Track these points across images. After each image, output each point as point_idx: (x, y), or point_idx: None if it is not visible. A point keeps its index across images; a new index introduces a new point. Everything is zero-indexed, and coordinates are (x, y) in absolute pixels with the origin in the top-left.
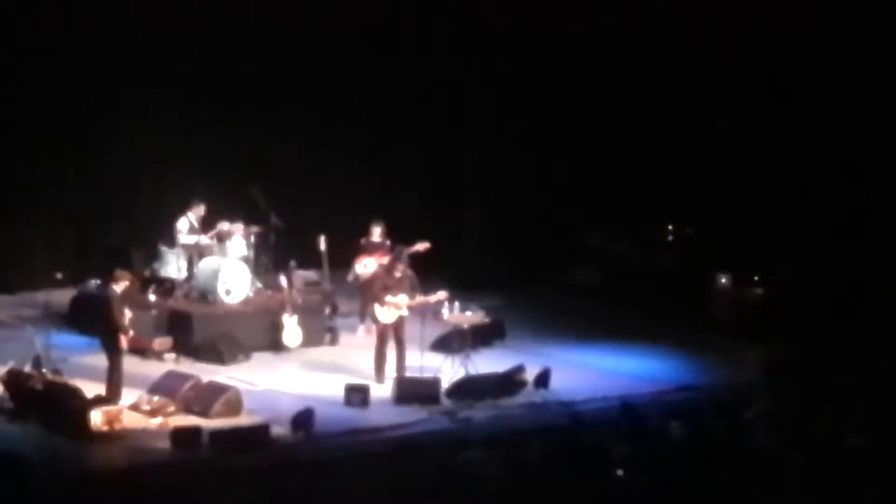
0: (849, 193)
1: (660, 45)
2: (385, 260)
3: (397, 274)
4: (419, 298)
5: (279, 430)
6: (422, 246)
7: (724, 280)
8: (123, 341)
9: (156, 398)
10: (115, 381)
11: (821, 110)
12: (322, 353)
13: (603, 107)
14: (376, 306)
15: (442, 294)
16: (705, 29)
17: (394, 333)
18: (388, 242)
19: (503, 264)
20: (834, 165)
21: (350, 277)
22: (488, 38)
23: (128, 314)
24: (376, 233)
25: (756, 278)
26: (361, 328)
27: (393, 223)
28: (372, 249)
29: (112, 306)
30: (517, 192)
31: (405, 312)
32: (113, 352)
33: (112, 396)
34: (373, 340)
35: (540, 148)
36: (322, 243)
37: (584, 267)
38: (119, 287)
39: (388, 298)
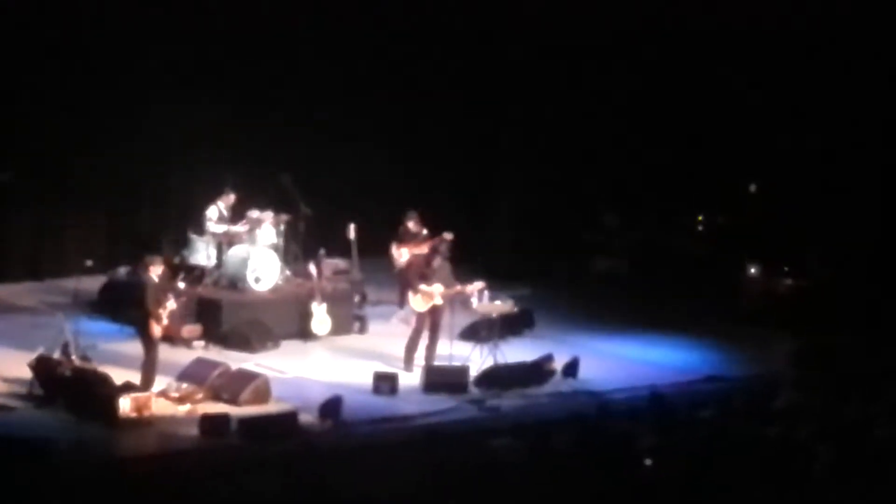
0: (880, 182)
1: (690, 28)
2: (422, 249)
3: (435, 264)
4: (456, 288)
5: (307, 417)
6: (448, 236)
7: (753, 270)
8: (156, 330)
9: (184, 385)
10: (147, 369)
11: (851, 95)
12: (351, 341)
13: (635, 95)
14: (410, 295)
15: (479, 284)
16: (737, 7)
17: (429, 322)
18: (424, 231)
19: (532, 254)
20: (865, 153)
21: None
22: (517, 27)
23: (170, 305)
24: (411, 223)
25: (786, 268)
26: (399, 314)
27: (423, 212)
28: (409, 239)
29: (146, 294)
30: (546, 182)
31: (439, 301)
32: (146, 340)
33: (144, 385)
34: (403, 329)
35: (570, 137)
36: (351, 232)
37: (607, 255)
38: (155, 274)
39: (423, 287)
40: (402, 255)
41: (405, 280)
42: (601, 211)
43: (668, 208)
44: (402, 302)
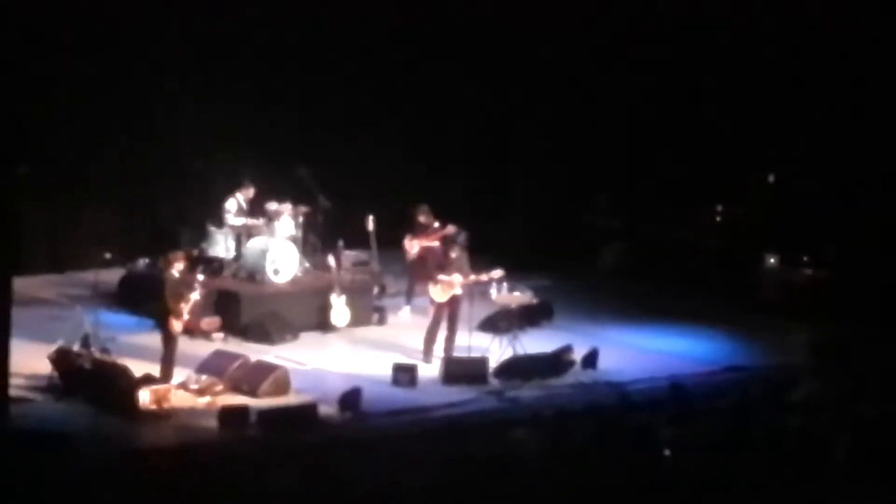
0: None
1: (702, 17)
2: (432, 241)
3: (453, 254)
4: (474, 277)
5: (327, 409)
6: (451, 228)
7: (772, 261)
8: (176, 325)
9: (204, 377)
10: (166, 362)
11: (868, 88)
12: (370, 332)
13: (645, 88)
14: (430, 286)
15: (497, 272)
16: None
17: (448, 313)
18: (435, 224)
19: (551, 245)
20: (883, 144)
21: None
22: (526, 22)
23: (193, 297)
24: (421, 216)
25: (804, 259)
26: (406, 308)
27: (440, 204)
28: (420, 231)
29: (165, 289)
30: (562, 172)
31: (459, 291)
32: (165, 334)
33: (164, 377)
34: (419, 321)
35: (585, 127)
36: (370, 223)
37: (611, 247)
38: (177, 270)
39: (442, 277)
40: (413, 247)
41: (415, 273)
42: (597, 195)
43: (684, 200)
44: (410, 295)
